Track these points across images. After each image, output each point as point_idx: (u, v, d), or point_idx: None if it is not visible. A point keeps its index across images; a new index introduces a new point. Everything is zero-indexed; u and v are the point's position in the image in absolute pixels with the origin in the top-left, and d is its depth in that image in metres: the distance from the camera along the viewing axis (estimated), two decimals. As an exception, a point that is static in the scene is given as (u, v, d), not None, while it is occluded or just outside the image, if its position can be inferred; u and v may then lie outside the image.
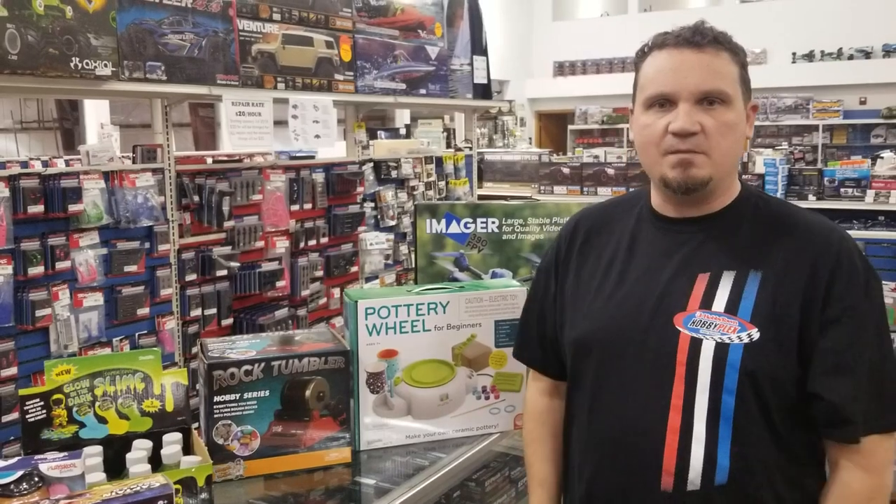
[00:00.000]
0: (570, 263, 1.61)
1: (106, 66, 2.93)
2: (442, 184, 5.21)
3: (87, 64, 2.85)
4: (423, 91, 4.67)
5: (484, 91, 5.29)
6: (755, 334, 1.35)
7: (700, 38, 1.41)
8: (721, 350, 1.35)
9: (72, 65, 2.81)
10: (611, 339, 1.47)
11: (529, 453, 1.72)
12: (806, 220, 1.45)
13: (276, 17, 3.72)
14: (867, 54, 13.49)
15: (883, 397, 1.36)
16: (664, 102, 1.41)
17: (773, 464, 1.37)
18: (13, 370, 2.88)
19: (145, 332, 3.36)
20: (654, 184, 1.50)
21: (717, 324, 1.37)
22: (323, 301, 4.26)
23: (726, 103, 1.39)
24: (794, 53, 14.15)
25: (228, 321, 3.71)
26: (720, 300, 1.39)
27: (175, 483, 1.37)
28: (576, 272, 1.59)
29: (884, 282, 3.71)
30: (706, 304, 1.39)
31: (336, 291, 4.30)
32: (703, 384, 1.36)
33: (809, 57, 13.96)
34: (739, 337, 1.35)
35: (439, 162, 5.21)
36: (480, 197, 6.13)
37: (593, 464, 1.50)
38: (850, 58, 13.61)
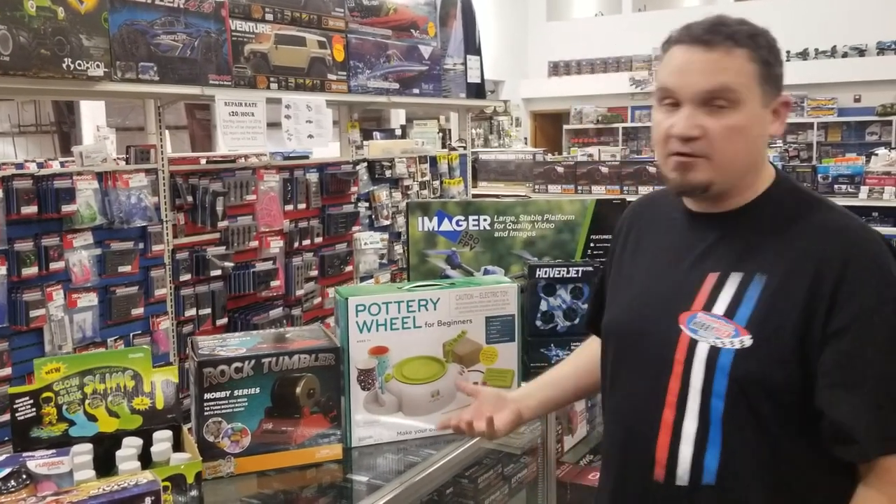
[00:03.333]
0: (624, 248, 1.63)
1: (98, 66, 2.93)
2: (436, 183, 5.22)
3: (79, 65, 2.86)
4: (416, 91, 4.67)
5: (477, 90, 5.30)
6: (747, 341, 1.33)
7: (712, 35, 1.35)
8: (713, 354, 1.35)
9: (64, 65, 2.81)
10: (625, 329, 1.51)
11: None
12: (826, 221, 1.38)
13: (269, 17, 3.73)
14: (861, 52, 13.51)
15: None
16: (672, 102, 1.38)
17: (765, 469, 1.34)
18: (7, 371, 2.88)
19: (140, 332, 3.37)
20: None
21: (714, 327, 1.37)
22: (318, 301, 4.27)
23: (734, 104, 1.34)
24: (788, 52, 14.15)
25: (223, 321, 3.71)
26: (721, 303, 1.37)
27: (164, 480, 1.38)
28: (620, 261, 1.62)
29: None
30: (708, 305, 1.39)
31: (331, 291, 4.31)
32: (696, 386, 1.36)
33: (804, 55, 13.98)
34: (732, 342, 1.34)
35: (434, 161, 5.22)
36: (475, 196, 6.14)
37: (609, 441, 1.57)
38: (845, 55, 13.64)
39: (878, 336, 1.27)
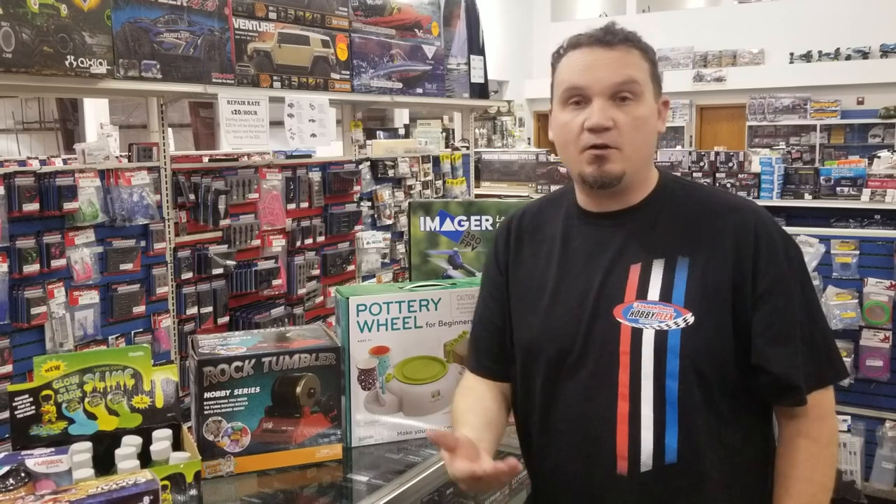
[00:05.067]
0: (509, 266, 1.65)
1: (101, 64, 2.93)
2: (439, 183, 5.21)
3: (81, 62, 2.86)
4: (419, 90, 4.67)
5: (481, 90, 5.29)
6: (690, 318, 1.42)
7: (611, 37, 1.48)
8: (661, 337, 1.42)
9: (66, 63, 2.81)
10: (558, 337, 1.51)
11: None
12: (721, 201, 1.53)
13: (272, 15, 3.73)
14: (865, 54, 13.49)
15: (817, 355, 1.45)
16: (579, 99, 1.47)
17: (717, 440, 1.44)
18: (8, 368, 2.88)
19: (141, 330, 3.36)
20: (575, 180, 1.56)
21: (654, 312, 1.44)
22: (320, 300, 4.26)
23: (637, 97, 1.45)
24: (791, 54, 14.15)
25: (225, 319, 3.71)
26: (654, 289, 1.45)
27: (163, 479, 1.38)
28: (515, 275, 1.63)
29: (879, 280, 3.74)
30: (642, 294, 1.45)
31: (333, 290, 4.29)
32: (647, 372, 1.42)
33: (807, 57, 13.96)
34: (676, 322, 1.42)
35: (436, 161, 5.21)
36: (477, 196, 6.13)
37: (552, 456, 1.55)
38: (848, 58, 13.62)
39: (793, 292, 1.45)
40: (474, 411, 1.61)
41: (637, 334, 1.43)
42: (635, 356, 1.43)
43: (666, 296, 1.44)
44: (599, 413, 1.45)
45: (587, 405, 1.47)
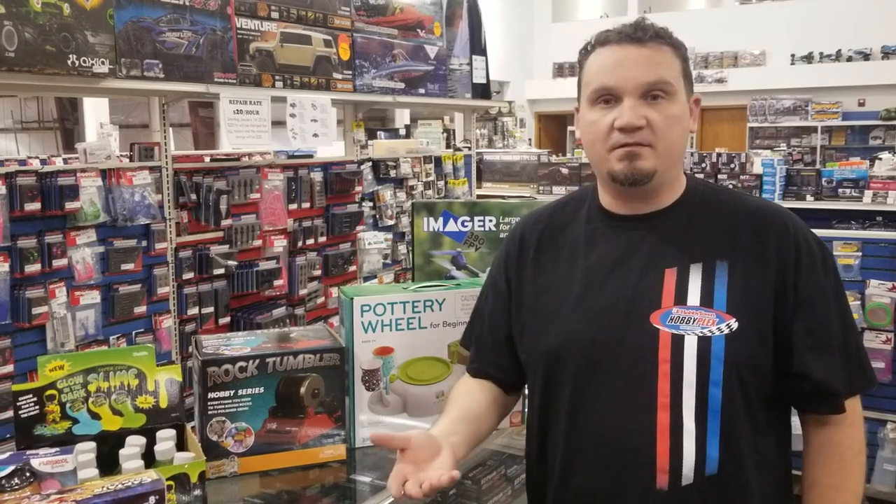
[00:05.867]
0: (524, 271, 1.58)
1: (103, 63, 2.92)
2: (441, 183, 5.21)
3: (84, 61, 2.85)
4: (421, 91, 4.66)
5: (483, 91, 5.29)
6: (734, 324, 1.37)
7: (641, 33, 1.43)
8: (704, 343, 1.37)
9: (69, 62, 2.80)
10: (587, 344, 1.44)
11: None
12: (755, 205, 1.49)
13: (275, 15, 3.72)
14: (866, 56, 13.49)
15: (852, 362, 1.44)
16: (609, 98, 1.42)
17: (755, 450, 1.41)
18: (9, 368, 2.87)
19: (142, 330, 3.36)
20: (602, 180, 1.51)
21: (695, 318, 1.38)
22: (321, 300, 4.26)
23: (670, 96, 1.41)
24: (793, 55, 14.15)
25: (226, 320, 3.70)
26: (693, 294, 1.40)
27: (168, 479, 1.37)
28: (532, 280, 1.57)
29: (882, 281, 3.74)
30: (680, 299, 1.40)
31: (334, 290, 4.30)
32: (689, 380, 1.37)
33: (808, 58, 13.97)
34: (719, 328, 1.37)
35: (438, 162, 5.21)
36: (479, 197, 6.13)
37: (582, 468, 1.47)
38: (849, 59, 13.62)
39: (829, 300, 1.43)
40: (458, 404, 1.57)
41: (678, 341, 1.37)
42: (676, 364, 1.37)
43: (707, 301, 1.39)
44: (637, 424, 1.38)
45: (622, 416, 1.40)
